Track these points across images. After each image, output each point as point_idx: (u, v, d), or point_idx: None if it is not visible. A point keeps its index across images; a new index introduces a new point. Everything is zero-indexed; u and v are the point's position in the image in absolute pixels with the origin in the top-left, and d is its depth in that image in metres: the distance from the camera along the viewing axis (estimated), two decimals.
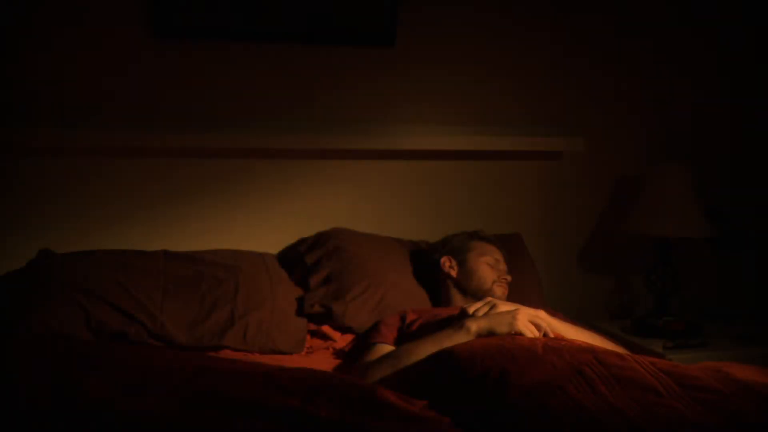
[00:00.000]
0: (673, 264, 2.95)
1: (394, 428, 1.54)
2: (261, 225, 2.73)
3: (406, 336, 2.23)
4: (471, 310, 2.13)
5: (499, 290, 2.48)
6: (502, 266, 2.55)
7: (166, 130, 2.58)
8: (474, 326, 2.07)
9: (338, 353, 2.40)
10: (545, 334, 2.06)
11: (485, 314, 2.11)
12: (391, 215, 2.86)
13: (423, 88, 2.86)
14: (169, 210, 2.64)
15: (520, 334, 2.04)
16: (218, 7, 2.59)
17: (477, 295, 2.44)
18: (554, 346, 1.83)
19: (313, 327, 2.45)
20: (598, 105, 3.07)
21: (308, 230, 2.73)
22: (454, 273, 2.53)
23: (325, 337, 2.44)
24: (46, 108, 2.51)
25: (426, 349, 2.05)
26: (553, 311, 2.38)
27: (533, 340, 1.87)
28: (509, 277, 2.53)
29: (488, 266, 2.52)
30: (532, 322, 2.07)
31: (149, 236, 2.60)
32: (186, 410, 1.62)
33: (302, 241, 2.72)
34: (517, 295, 2.60)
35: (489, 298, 2.17)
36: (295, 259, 2.65)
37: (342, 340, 2.43)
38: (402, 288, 2.56)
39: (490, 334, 2.06)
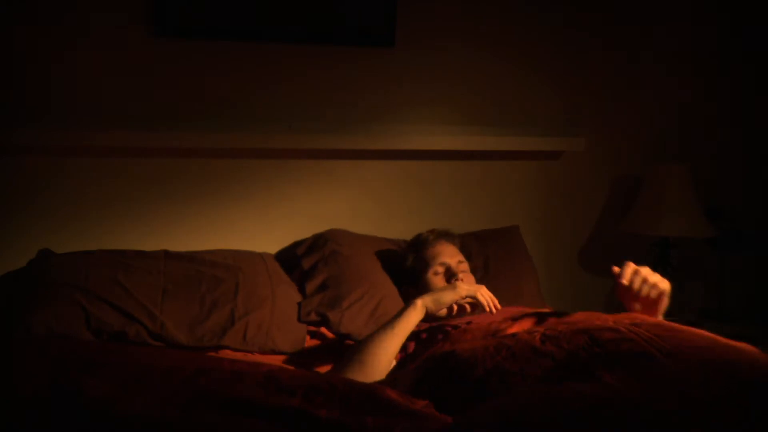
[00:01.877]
0: (673, 264, 2.95)
1: (395, 426, 1.54)
2: (261, 225, 2.73)
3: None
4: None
5: None
6: (453, 260, 2.42)
7: (166, 130, 2.58)
8: (419, 301, 2.12)
9: None
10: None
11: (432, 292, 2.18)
12: (391, 215, 2.86)
13: (422, 89, 2.86)
14: (169, 210, 2.64)
15: (469, 298, 2.12)
16: (218, 7, 2.60)
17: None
18: (552, 335, 1.83)
19: (312, 328, 2.45)
20: (598, 105, 3.08)
21: (308, 230, 2.73)
22: None
23: (324, 338, 2.44)
24: (45, 108, 2.51)
25: (383, 339, 2.06)
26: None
27: (532, 333, 1.87)
28: (459, 276, 2.38)
29: (438, 277, 2.40)
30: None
31: (149, 236, 2.60)
32: (186, 410, 1.62)
33: (299, 243, 2.72)
34: (515, 293, 2.60)
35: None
36: (294, 261, 2.65)
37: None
38: (398, 294, 2.54)
39: (437, 304, 2.12)
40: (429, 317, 2.15)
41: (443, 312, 2.16)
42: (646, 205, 2.94)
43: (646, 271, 1.98)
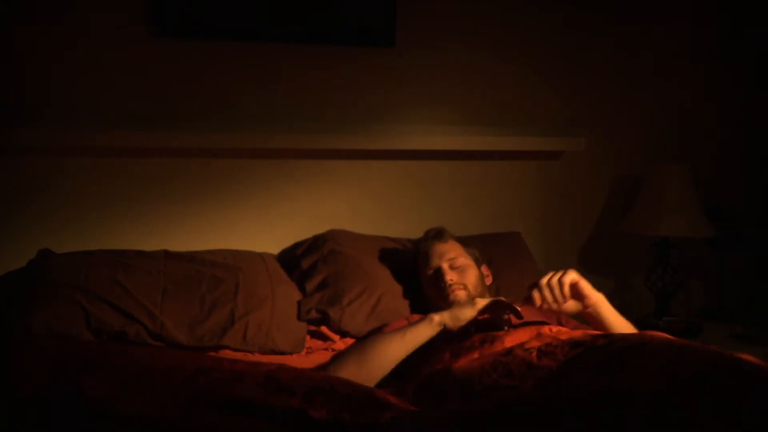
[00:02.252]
0: (673, 264, 2.95)
1: (394, 426, 1.54)
2: (261, 225, 2.73)
3: None
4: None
5: (451, 299, 2.32)
6: (443, 261, 2.39)
7: (166, 130, 2.58)
8: (437, 317, 2.07)
9: None
10: (514, 313, 2.06)
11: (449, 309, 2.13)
12: (391, 215, 2.86)
13: (423, 89, 2.86)
14: (169, 210, 2.64)
15: (485, 314, 2.08)
16: (218, 7, 2.60)
17: None
18: (548, 350, 1.83)
19: (312, 327, 2.45)
20: (598, 105, 3.08)
21: (308, 230, 2.73)
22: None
23: (324, 337, 2.44)
24: (45, 108, 2.51)
25: (392, 342, 2.04)
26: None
27: (528, 350, 1.87)
28: (447, 280, 2.35)
29: (430, 282, 2.41)
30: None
31: (149, 236, 2.60)
32: (186, 410, 1.62)
33: (299, 244, 2.72)
34: (518, 294, 2.60)
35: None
36: (294, 261, 2.65)
37: (342, 342, 2.43)
38: (398, 291, 2.55)
39: (456, 320, 2.07)
40: (448, 332, 2.09)
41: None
42: (646, 205, 2.94)
43: (544, 280, 2.04)
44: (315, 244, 2.66)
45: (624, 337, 1.77)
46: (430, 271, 2.41)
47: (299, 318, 2.44)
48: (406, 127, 2.83)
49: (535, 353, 1.82)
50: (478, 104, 2.93)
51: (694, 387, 1.47)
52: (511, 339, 1.97)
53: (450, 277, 2.36)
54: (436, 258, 2.41)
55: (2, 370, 1.83)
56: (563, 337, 1.91)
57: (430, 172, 2.90)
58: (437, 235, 2.49)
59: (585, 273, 3.06)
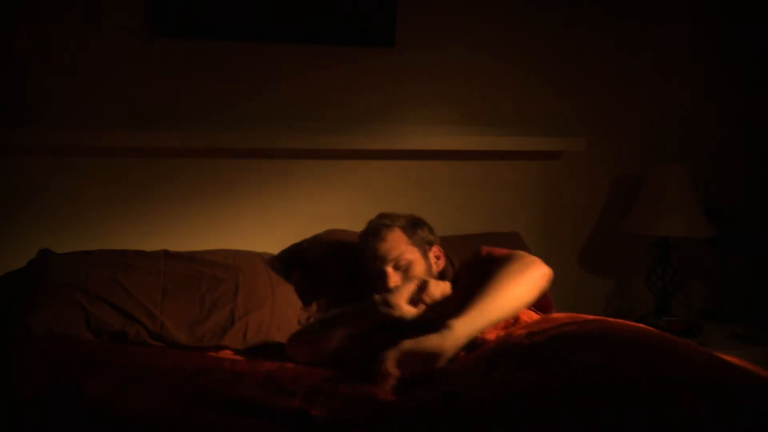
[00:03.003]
0: (673, 264, 2.95)
1: (394, 421, 1.54)
2: (261, 225, 2.73)
3: None
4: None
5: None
6: (385, 263, 2.27)
7: (166, 130, 2.58)
8: (377, 296, 2.06)
9: None
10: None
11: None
12: None
13: (422, 89, 2.86)
14: (169, 210, 2.64)
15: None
16: (218, 7, 2.60)
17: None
18: (538, 330, 1.85)
19: None
20: (598, 105, 3.08)
21: (308, 230, 2.73)
22: None
23: None
24: (46, 108, 2.51)
25: (339, 323, 2.12)
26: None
27: (518, 335, 1.88)
28: (390, 283, 2.23)
29: (377, 282, 2.29)
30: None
31: (149, 236, 2.60)
32: (186, 410, 1.62)
33: (298, 245, 2.71)
34: None
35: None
36: (293, 262, 2.65)
37: None
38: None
39: (396, 309, 2.02)
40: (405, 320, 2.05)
41: (418, 309, 2.04)
42: (646, 205, 2.94)
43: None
44: (313, 245, 2.65)
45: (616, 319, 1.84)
46: (376, 273, 2.30)
47: (299, 323, 2.44)
48: (406, 127, 2.83)
49: (524, 334, 1.83)
50: (478, 104, 2.93)
51: None
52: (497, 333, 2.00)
53: (394, 282, 2.24)
54: (378, 261, 2.29)
55: (2, 370, 1.83)
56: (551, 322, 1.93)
57: (430, 172, 2.90)
58: (375, 233, 2.32)
59: (585, 273, 3.12)
